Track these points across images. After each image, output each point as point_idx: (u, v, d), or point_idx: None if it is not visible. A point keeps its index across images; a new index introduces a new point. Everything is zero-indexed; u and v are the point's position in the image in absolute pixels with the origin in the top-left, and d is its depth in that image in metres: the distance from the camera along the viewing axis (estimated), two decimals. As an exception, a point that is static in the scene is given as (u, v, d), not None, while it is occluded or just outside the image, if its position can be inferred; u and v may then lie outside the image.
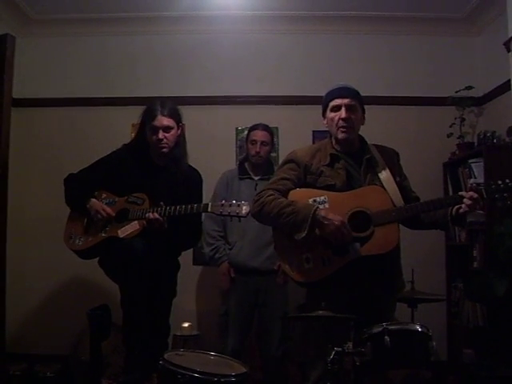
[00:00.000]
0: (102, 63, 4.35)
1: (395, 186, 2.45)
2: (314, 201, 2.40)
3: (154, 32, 4.32)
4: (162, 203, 2.70)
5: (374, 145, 2.60)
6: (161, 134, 2.81)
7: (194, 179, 2.99)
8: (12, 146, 3.45)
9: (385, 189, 2.42)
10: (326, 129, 2.60)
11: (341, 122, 2.45)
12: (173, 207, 2.67)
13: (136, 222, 2.73)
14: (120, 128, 4.07)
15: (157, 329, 2.81)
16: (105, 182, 2.91)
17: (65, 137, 4.28)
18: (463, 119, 4.06)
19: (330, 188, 2.43)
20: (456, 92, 4.03)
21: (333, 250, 2.36)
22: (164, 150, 2.84)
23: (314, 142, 4.01)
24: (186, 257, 3.48)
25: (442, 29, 4.30)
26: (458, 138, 4.04)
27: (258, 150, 3.45)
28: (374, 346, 2.07)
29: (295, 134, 4.16)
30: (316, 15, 4.23)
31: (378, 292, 2.38)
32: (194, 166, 3.03)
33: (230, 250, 3.43)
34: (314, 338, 2.44)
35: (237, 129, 4.23)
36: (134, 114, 2.98)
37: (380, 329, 2.09)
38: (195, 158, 3.08)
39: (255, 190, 3.38)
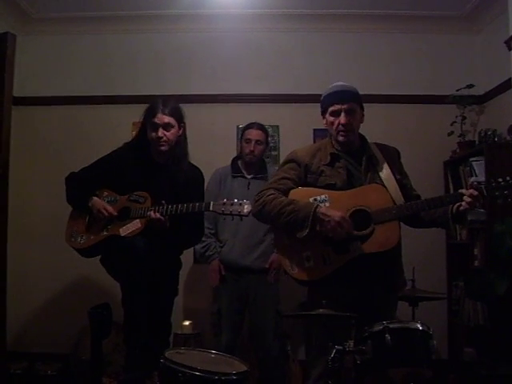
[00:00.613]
0: (102, 61, 4.35)
1: (396, 184, 2.45)
2: (315, 200, 2.40)
3: (155, 30, 4.32)
4: (163, 202, 2.70)
5: (374, 143, 2.60)
6: (160, 132, 2.81)
7: (196, 178, 2.99)
8: (13, 144, 3.45)
9: (385, 187, 2.42)
10: (327, 127, 2.60)
11: (340, 127, 2.46)
12: (174, 206, 2.67)
13: (138, 220, 2.73)
14: (121, 126, 4.07)
15: (158, 327, 2.81)
16: (106, 181, 2.91)
17: (66, 135, 4.28)
18: (464, 117, 4.06)
19: (330, 187, 2.43)
20: (457, 90, 4.03)
21: (333, 248, 2.37)
22: (163, 147, 2.84)
23: (314, 140, 4.02)
24: (187, 255, 3.49)
25: (443, 27, 4.29)
26: (458, 137, 4.04)
27: (252, 148, 3.46)
28: (374, 344, 2.08)
29: (296, 132, 4.17)
30: (316, 13, 4.23)
31: (378, 290, 2.38)
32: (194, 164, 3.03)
33: (222, 247, 3.45)
34: (315, 337, 2.44)
35: (238, 127, 4.22)
36: (135, 112, 2.98)
37: (381, 327, 2.09)
38: (196, 156, 3.07)
39: (248, 188, 3.41)
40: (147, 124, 2.87)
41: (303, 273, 2.40)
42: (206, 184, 3.14)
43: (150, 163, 2.90)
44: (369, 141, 2.60)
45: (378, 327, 2.10)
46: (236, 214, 2.57)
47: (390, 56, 4.32)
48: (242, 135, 3.58)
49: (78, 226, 2.92)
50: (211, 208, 2.63)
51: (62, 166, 3.42)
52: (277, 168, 3.68)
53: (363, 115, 2.55)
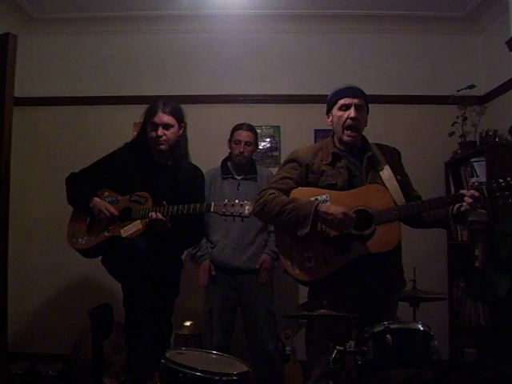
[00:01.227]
0: (103, 62, 4.35)
1: (396, 184, 2.45)
2: (316, 199, 2.40)
3: (156, 31, 4.32)
4: (164, 203, 2.70)
5: (375, 143, 2.60)
6: (160, 131, 2.81)
7: (197, 178, 2.99)
8: (14, 145, 3.44)
9: (386, 187, 2.42)
10: (329, 127, 2.60)
11: (349, 121, 2.45)
12: (175, 207, 2.67)
13: (139, 221, 2.73)
14: (122, 127, 4.07)
15: (159, 328, 2.81)
16: (107, 181, 2.91)
17: (67, 136, 4.28)
18: (465, 118, 4.05)
19: (331, 187, 2.43)
20: (458, 91, 4.02)
21: (335, 248, 2.37)
22: (162, 146, 2.84)
23: (316, 141, 4.02)
24: (188, 256, 3.50)
25: (444, 27, 4.29)
26: (460, 137, 4.04)
27: (241, 149, 3.46)
28: (375, 344, 2.08)
29: (297, 132, 4.17)
30: (317, 14, 4.22)
31: (379, 291, 2.38)
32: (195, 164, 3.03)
33: (212, 248, 3.45)
34: (316, 337, 2.44)
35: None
36: (136, 112, 2.99)
37: (382, 328, 2.09)
38: (197, 156, 3.08)
39: (238, 189, 3.42)
40: (147, 124, 2.87)
41: (304, 273, 2.40)
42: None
43: (151, 163, 2.90)
44: (370, 141, 2.59)
45: (379, 328, 2.10)
46: (237, 215, 2.57)
47: (391, 56, 4.32)
48: (231, 136, 3.57)
49: (79, 227, 2.92)
50: (212, 209, 2.63)
51: (63, 166, 3.43)
52: (267, 169, 3.73)
53: (367, 120, 2.56)
